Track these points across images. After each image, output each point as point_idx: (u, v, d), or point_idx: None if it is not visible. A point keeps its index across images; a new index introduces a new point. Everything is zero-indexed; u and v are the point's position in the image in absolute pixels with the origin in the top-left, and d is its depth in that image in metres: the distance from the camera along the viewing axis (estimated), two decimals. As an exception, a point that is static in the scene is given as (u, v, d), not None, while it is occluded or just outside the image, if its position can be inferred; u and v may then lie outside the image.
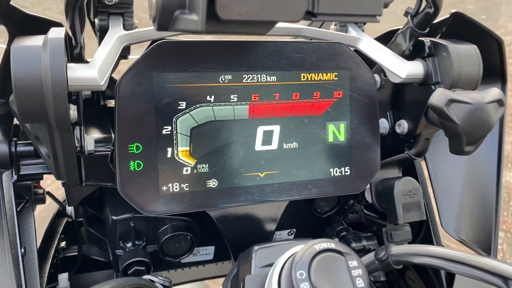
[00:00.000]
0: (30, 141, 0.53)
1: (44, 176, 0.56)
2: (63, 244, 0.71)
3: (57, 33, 0.42)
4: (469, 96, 0.49)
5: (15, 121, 0.56)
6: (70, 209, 0.66)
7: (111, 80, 0.52)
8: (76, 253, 0.72)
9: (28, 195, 0.58)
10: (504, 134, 0.63)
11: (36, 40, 0.41)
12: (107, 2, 0.49)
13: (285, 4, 0.34)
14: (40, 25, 0.46)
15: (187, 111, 0.50)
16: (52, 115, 0.41)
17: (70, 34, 0.49)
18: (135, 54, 0.52)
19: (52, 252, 0.66)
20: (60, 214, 0.74)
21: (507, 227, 2.74)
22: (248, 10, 0.32)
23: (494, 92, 0.50)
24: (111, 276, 0.74)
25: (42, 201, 0.62)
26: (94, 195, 0.64)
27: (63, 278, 0.65)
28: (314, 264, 0.37)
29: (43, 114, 0.41)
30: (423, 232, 0.66)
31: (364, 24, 0.62)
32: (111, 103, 0.60)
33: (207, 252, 0.65)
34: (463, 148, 0.51)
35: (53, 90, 0.40)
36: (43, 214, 0.75)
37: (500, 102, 0.50)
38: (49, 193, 0.65)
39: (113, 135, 0.52)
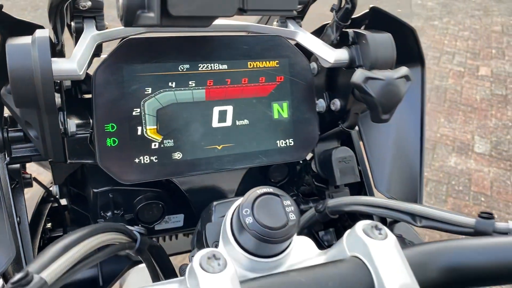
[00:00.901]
0: (19, 128, 0.62)
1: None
2: (49, 225, 0.80)
3: (42, 33, 0.52)
4: (382, 74, 0.61)
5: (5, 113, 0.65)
6: (55, 190, 0.75)
7: (87, 76, 0.62)
8: (62, 234, 0.81)
9: (17, 178, 0.67)
10: (425, 107, 0.75)
11: (26, 39, 0.51)
12: (81, 8, 0.59)
13: (222, 2, 0.44)
14: (27, 28, 0.56)
15: (153, 95, 0.60)
16: (41, 100, 0.51)
17: (53, 34, 0.58)
18: (106, 54, 0.62)
19: (40, 231, 0.75)
20: (44, 200, 0.83)
21: (468, 210, 2.91)
22: (193, 8, 0.43)
23: (402, 69, 0.62)
24: None
25: (30, 184, 0.71)
26: (76, 176, 0.73)
27: None
28: (256, 204, 0.47)
29: (34, 99, 0.51)
30: (362, 194, 0.78)
31: (302, 20, 0.73)
32: (86, 97, 0.70)
33: (177, 219, 0.75)
34: (380, 116, 0.62)
35: (42, 79, 0.50)
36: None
37: (407, 78, 0.62)
38: (35, 179, 0.74)
39: (91, 120, 0.62)
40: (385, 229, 0.43)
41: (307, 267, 0.42)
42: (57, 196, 0.74)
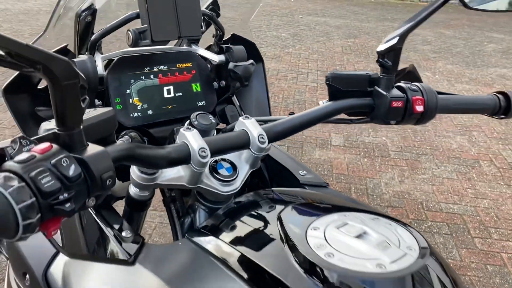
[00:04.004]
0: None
1: None
2: None
3: (87, 56, 1.11)
4: (241, 63, 1.29)
5: None
6: None
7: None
8: None
9: None
10: (267, 81, 1.46)
11: (83, 57, 1.10)
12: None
13: (171, 33, 1.11)
14: (64, 52, 1.15)
15: (134, 83, 1.21)
16: (92, 84, 1.10)
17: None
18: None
19: None
20: None
21: (333, 187, 3.70)
22: (160, 36, 1.09)
23: (250, 61, 1.31)
24: None
25: None
26: None
27: None
28: (197, 116, 1.10)
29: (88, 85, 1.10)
30: None
31: (198, 41, 1.40)
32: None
33: None
34: (243, 83, 1.30)
35: (92, 75, 1.10)
36: None
37: (253, 64, 1.31)
38: None
39: (104, 100, 1.20)
40: (249, 117, 1.09)
41: (220, 135, 1.05)
42: None
